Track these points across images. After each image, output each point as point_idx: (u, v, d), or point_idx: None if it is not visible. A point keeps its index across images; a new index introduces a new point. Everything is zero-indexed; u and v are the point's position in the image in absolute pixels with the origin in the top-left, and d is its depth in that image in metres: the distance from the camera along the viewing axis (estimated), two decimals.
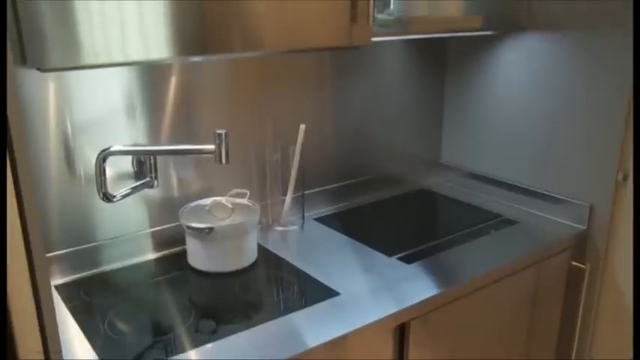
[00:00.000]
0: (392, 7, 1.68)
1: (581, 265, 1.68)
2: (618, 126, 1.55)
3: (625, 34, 1.49)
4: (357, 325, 1.17)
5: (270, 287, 1.36)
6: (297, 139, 1.59)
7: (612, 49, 1.53)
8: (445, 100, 2.06)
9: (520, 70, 1.78)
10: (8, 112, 0.76)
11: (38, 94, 1.28)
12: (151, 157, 1.45)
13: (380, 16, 1.62)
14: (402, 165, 2.04)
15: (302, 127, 1.59)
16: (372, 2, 1.32)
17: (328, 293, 1.30)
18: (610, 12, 1.52)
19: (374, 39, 1.38)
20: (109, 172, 1.39)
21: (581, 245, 1.69)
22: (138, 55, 1.05)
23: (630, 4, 1.47)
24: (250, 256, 1.46)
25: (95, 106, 1.36)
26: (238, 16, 1.13)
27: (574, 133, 1.67)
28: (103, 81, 1.35)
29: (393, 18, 1.60)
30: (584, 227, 1.68)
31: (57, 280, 1.37)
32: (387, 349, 1.28)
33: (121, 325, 1.20)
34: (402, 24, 1.55)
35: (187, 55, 1.09)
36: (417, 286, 1.33)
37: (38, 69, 0.96)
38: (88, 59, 1.00)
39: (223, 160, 1.32)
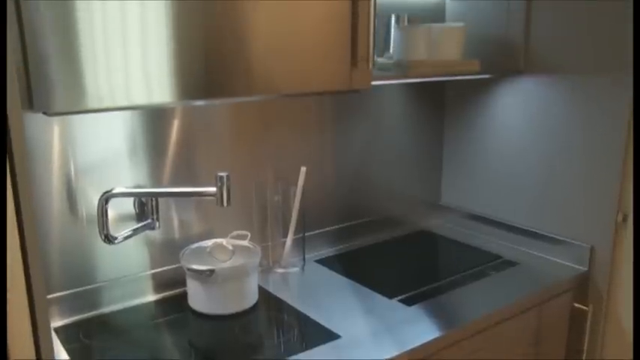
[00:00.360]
0: (391, 50, 1.71)
1: (584, 307, 1.67)
2: (616, 167, 1.56)
3: (621, 76, 1.52)
4: None
5: (271, 330, 1.35)
6: (297, 181, 1.61)
7: (609, 91, 1.56)
8: (444, 142, 2.08)
9: (518, 113, 1.81)
10: (15, 156, 0.78)
11: (43, 136, 1.30)
12: (153, 199, 1.46)
13: (380, 60, 1.65)
14: (402, 206, 2.04)
15: (303, 169, 1.60)
16: (372, 46, 1.35)
17: (329, 336, 1.29)
18: (606, 55, 1.55)
19: (374, 83, 1.40)
20: (111, 213, 1.40)
21: (582, 287, 1.69)
22: (141, 100, 1.07)
23: (625, 46, 1.50)
24: (251, 298, 1.46)
25: (98, 148, 1.37)
26: (242, 62, 1.15)
27: (572, 174, 1.68)
28: (106, 123, 1.37)
29: (392, 62, 1.63)
30: (585, 268, 1.68)
31: (56, 322, 1.37)
32: None
33: None
34: (401, 68, 1.58)
35: (190, 100, 1.11)
36: (418, 329, 1.32)
37: (44, 113, 0.98)
38: (92, 104, 1.02)
39: (225, 203, 1.33)
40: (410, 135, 1.99)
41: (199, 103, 1.25)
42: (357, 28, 1.32)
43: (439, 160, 2.09)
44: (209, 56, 1.12)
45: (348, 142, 1.83)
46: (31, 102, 0.95)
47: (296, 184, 1.61)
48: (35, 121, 1.28)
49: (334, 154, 1.81)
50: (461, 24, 1.71)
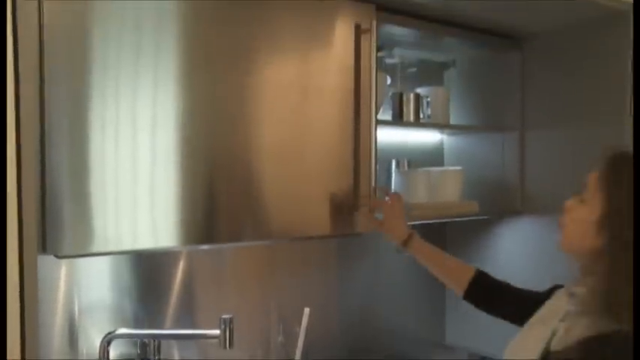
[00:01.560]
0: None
1: None
2: None
3: None
4: None
5: None
6: (301, 322, 1.59)
7: None
8: None
9: (517, 251, 1.82)
10: (25, 297, 0.79)
11: (50, 275, 1.31)
12: (155, 340, 1.44)
13: None
14: (407, 346, 2.00)
15: (306, 310, 1.59)
16: (373, 193, 1.40)
17: None
18: None
19: None
20: (113, 353, 1.37)
21: None
22: (147, 244, 1.10)
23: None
24: None
25: (103, 288, 1.38)
26: (247, 207, 1.20)
27: None
28: (111, 264, 1.39)
29: None
30: None
31: None
32: None
33: None
34: None
35: (196, 244, 1.14)
36: None
37: (55, 256, 1.01)
38: (98, 247, 1.05)
39: (228, 346, 1.32)
40: (412, 274, 1.99)
41: (204, 247, 1.28)
42: (359, 174, 1.38)
43: (442, 300, 2.08)
44: (215, 202, 1.17)
45: (351, 282, 1.83)
46: (44, 246, 0.98)
47: (299, 325, 1.60)
48: (44, 260, 1.30)
49: (337, 294, 1.81)
50: (459, 167, 1.78)
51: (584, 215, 1.01)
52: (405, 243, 1.38)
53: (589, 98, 1.66)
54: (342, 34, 1.37)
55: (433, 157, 2.01)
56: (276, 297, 1.67)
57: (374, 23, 1.39)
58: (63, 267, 1.32)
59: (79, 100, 1.03)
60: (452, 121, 1.90)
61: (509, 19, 1.69)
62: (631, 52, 1.53)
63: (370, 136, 1.41)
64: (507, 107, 1.86)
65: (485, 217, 1.86)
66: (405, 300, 1.99)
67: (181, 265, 1.49)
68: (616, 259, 0.94)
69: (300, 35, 1.30)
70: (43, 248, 0.98)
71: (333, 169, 1.35)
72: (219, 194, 1.18)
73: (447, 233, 2.07)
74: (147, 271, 1.44)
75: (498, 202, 1.85)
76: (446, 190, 1.71)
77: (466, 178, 1.79)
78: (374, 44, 1.39)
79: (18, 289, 0.77)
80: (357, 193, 1.37)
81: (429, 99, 1.79)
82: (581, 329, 0.96)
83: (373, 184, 1.41)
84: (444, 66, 2.03)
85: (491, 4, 1.55)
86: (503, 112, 1.87)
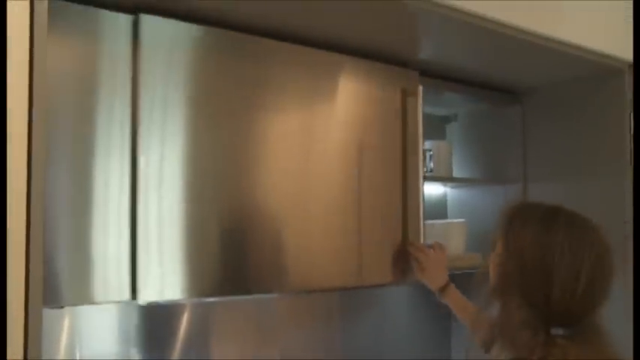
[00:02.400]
0: None
1: None
2: None
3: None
4: None
5: None
6: None
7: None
8: (452, 336, 2.04)
9: None
10: (29, 351, 0.79)
11: (52, 326, 1.30)
12: None
13: None
14: None
15: None
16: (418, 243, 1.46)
17: None
18: None
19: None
20: None
21: None
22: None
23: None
24: None
25: (104, 340, 1.37)
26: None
27: None
28: (113, 315, 1.38)
29: None
30: None
31: None
32: None
33: None
34: None
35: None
36: None
37: (60, 307, 1.01)
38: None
39: None
40: (416, 328, 1.97)
41: (210, 299, 1.28)
42: (407, 226, 1.45)
43: (447, 351, 2.04)
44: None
45: (354, 338, 1.81)
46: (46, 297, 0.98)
47: None
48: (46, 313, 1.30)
49: (341, 350, 1.78)
50: (462, 220, 1.78)
51: (493, 259, 1.09)
52: (443, 290, 1.45)
53: (589, 150, 1.69)
54: (389, 97, 1.48)
55: (437, 209, 2.01)
56: (281, 349, 1.64)
57: (420, 88, 1.52)
58: (66, 319, 1.32)
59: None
60: (455, 174, 1.92)
61: (508, 74, 1.73)
62: (630, 105, 1.57)
63: (418, 191, 1.52)
64: (509, 160, 1.88)
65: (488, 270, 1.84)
66: (410, 352, 1.95)
67: (185, 317, 1.48)
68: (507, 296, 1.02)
69: (351, 97, 1.42)
70: (46, 301, 0.98)
71: (384, 221, 1.44)
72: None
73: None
74: (150, 324, 1.43)
75: None
76: (450, 243, 1.70)
77: (469, 230, 1.79)
78: (420, 107, 1.51)
79: (22, 344, 0.77)
80: (404, 244, 1.46)
81: (431, 152, 1.81)
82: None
83: (422, 236, 1.50)
84: (446, 120, 2.07)
85: (490, 62, 1.59)
86: (505, 165, 1.89)
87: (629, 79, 1.58)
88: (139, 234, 1.09)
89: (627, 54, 1.54)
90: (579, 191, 1.69)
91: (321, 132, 1.35)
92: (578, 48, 1.47)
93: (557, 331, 0.97)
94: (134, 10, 1.12)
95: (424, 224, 1.53)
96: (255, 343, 1.60)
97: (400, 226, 1.48)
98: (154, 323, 1.43)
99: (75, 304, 1.06)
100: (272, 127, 1.27)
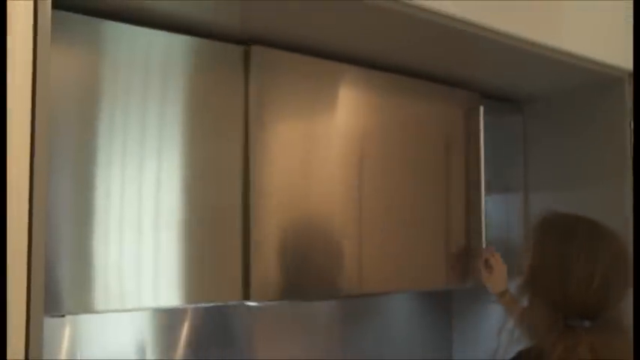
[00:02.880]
0: None
1: None
2: None
3: None
4: None
5: None
6: None
7: None
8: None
9: None
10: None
11: (53, 333, 1.29)
12: None
13: None
14: None
15: None
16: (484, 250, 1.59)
17: None
18: None
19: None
20: None
21: None
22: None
23: None
24: None
25: (107, 347, 1.36)
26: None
27: None
28: (114, 322, 1.37)
29: None
30: None
31: None
32: None
33: None
34: None
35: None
36: None
37: (62, 316, 1.01)
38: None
39: None
40: (418, 339, 1.96)
41: (209, 304, 1.28)
42: (470, 234, 1.57)
43: None
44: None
45: (355, 345, 1.80)
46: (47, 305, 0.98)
47: None
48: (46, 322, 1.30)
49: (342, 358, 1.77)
50: None
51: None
52: (502, 294, 1.53)
53: (590, 158, 1.69)
54: (449, 117, 1.63)
55: None
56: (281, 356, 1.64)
57: (481, 108, 1.63)
58: (67, 327, 1.31)
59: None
60: None
61: (509, 84, 1.74)
62: (630, 114, 1.58)
63: (480, 201, 1.66)
64: (510, 169, 1.88)
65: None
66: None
67: (187, 324, 1.47)
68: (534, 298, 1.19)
69: (413, 116, 1.55)
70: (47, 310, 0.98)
71: (448, 229, 1.59)
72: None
73: (454, 305, 2.05)
74: (151, 331, 1.42)
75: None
76: None
77: None
78: (481, 125, 1.63)
79: (24, 352, 0.77)
80: (469, 250, 1.60)
81: None
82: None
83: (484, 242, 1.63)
84: None
85: (492, 72, 1.60)
86: (507, 174, 1.89)
87: (629, 88, 1.59)
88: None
89: (627, 63, 1.54)
90: (580, 199, 1.68)
91: (389, 148, 1.49)
92: (579, 57, 1.48)
93: (574, 322, 1.11)
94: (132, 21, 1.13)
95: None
96: (256, 348, 1.60)
97: (463, 234, 1.62)
98: (156, 328, 1.43)
99: (76, 313, 1.05)
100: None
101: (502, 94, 1.82)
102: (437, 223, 1.58)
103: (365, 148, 1.43)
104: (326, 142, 1.36)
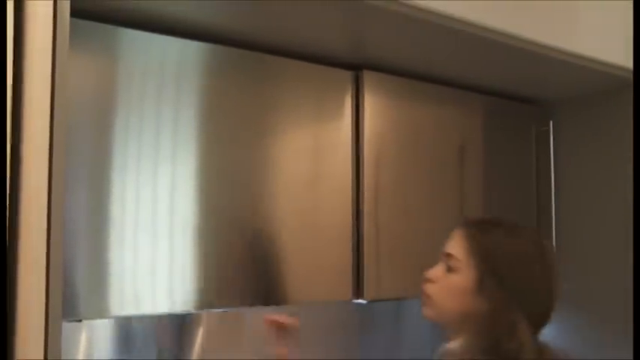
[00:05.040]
0: None
1: None
2: None
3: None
4: None
5: None
6: None
7: None
8: None
9: None
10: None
11: (69, 336, 1.30)
12: None
13: None
14: None
15: None
16: None
17: None
18: None
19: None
20: None
21: None
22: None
23: None
24: None
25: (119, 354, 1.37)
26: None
27: None
28: (124, 328, 1.38)
29: None
30: None
31: None
32: None
33: None
34: None
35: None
36: None
37: (78, 320, 1.01)
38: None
39: None
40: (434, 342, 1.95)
41: (219, 310, 1.29)
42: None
43: None
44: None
45: (371, 350, 1.80)
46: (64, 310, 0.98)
47: None
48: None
49: None
50: None
51: (457, 283, 1.04)
52: None
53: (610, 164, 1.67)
54: (523, 132, 1.69)
55: None
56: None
57: (551, 123, 1.67)
58: (84, 333, 1.32)
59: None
60: None
61: (525, 88, 1.72)
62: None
63: (551, 212, 1.71)
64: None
65: None
66: None
67: (201, 329, 1.47)
68: (496, 314, 1.00)
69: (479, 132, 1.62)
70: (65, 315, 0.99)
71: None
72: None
73: None
74: (165, 336, 1.43)
75: None
76: None
77: None
78: (552, 143, 1.67)
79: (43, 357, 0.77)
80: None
81: None
82: None
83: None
84: None
85: (510, 75, 1.60)
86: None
87: None
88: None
89: None
90: (604, 204, 1.67)
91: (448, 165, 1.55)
92: (595, 61, 1.46)
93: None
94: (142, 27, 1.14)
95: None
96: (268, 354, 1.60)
97: None
98: (170, 334, 1.43)
99: (93, 318, 1.06)
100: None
101: (518, 98, 1.80)
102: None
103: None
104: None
